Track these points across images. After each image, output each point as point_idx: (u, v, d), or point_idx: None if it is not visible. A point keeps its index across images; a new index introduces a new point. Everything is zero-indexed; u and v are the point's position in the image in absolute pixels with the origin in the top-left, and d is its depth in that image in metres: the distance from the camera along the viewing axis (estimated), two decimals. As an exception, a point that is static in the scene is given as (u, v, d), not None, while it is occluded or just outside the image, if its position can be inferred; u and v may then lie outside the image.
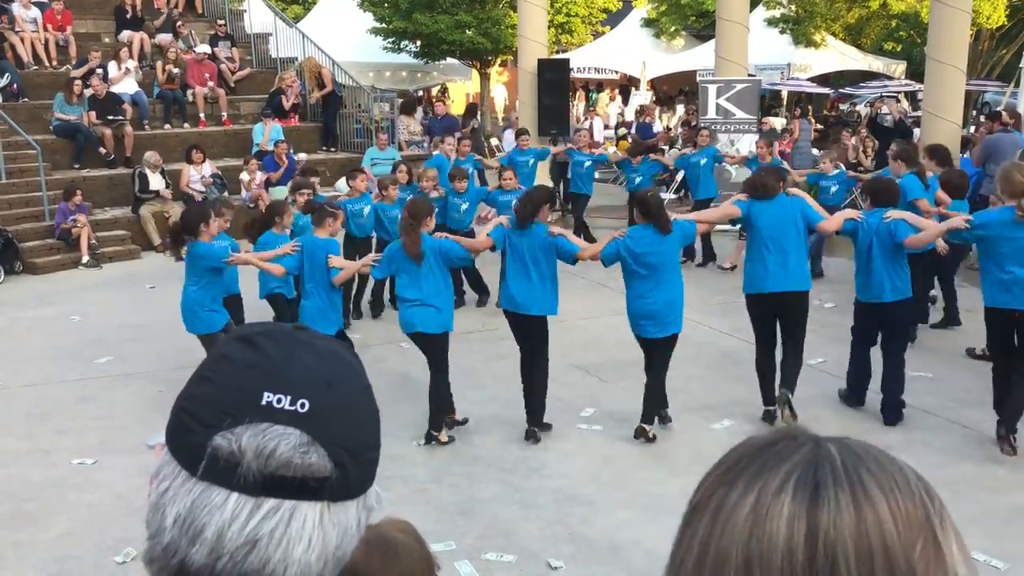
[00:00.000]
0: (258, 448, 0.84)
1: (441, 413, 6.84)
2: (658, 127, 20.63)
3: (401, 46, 24.55)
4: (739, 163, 12.47)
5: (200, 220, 7.34)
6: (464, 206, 10.34)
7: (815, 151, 17.56)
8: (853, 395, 7.41)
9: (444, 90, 25.71)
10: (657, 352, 6.77)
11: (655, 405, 6.84)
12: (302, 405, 0.86)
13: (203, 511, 0.84)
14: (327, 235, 7.27)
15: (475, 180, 12.08)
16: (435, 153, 12.87)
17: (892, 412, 7.09)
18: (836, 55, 24.61)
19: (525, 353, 6.95)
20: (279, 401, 0.86)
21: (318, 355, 0.90)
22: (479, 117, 22.27)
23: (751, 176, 7.77)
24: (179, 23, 17.45)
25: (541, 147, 13.45)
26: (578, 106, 26.34)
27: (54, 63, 15.94)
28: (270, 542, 0.84)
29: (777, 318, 7.09)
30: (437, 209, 10.00)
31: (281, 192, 14.82)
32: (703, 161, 12.37)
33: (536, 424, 6.87)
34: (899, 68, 25.69)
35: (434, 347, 6.79)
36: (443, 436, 6.77)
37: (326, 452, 0.86)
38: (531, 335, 6.91)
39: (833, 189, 11.00)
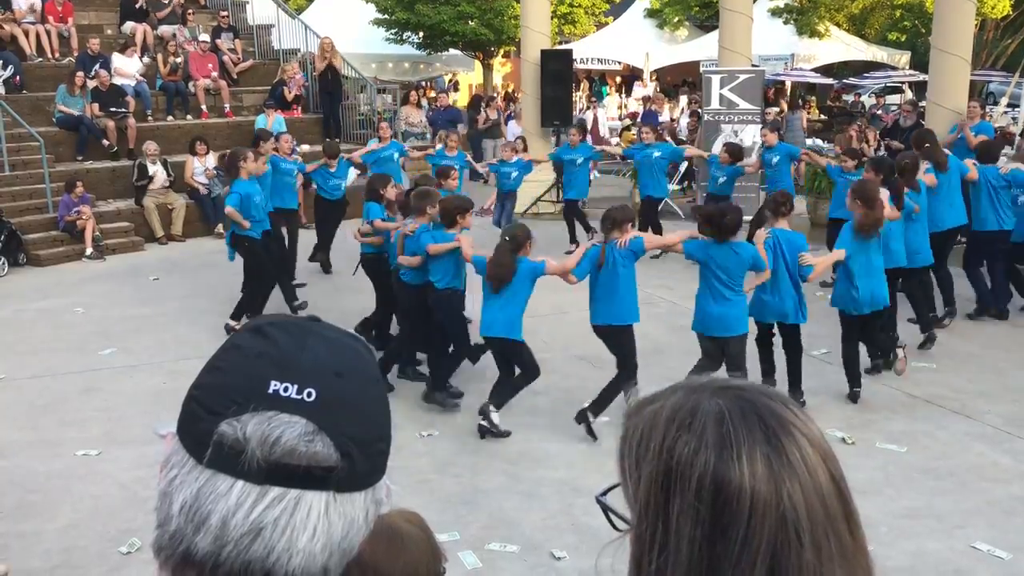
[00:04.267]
0: (263, 435, 0.83)
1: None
2: (665, 116, 20.61)
3: (404, 37, 24.49)
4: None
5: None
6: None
7: (818, 141, 17.54)
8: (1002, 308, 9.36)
9: (456, 83, 25.61)
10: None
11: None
12: (309, 394, 0.86)
13: (208, 498, 0.84)
14: (787, 227, 7.03)
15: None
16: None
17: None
18: (840, 45, 24.49)
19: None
20: (286, 389, 0.86)
21: (330, 346, 0.90)
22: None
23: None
24: (191, 11, 17.42)
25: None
26: (582, 97, 26.28)
27: (56, 55, 15.92)
28: (274, 531, 0.83)
29: None
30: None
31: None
32: (579, 160, 12.63)
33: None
34: (903, 58, 25.57)
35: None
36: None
37: (332, 442, 0.85)
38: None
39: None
